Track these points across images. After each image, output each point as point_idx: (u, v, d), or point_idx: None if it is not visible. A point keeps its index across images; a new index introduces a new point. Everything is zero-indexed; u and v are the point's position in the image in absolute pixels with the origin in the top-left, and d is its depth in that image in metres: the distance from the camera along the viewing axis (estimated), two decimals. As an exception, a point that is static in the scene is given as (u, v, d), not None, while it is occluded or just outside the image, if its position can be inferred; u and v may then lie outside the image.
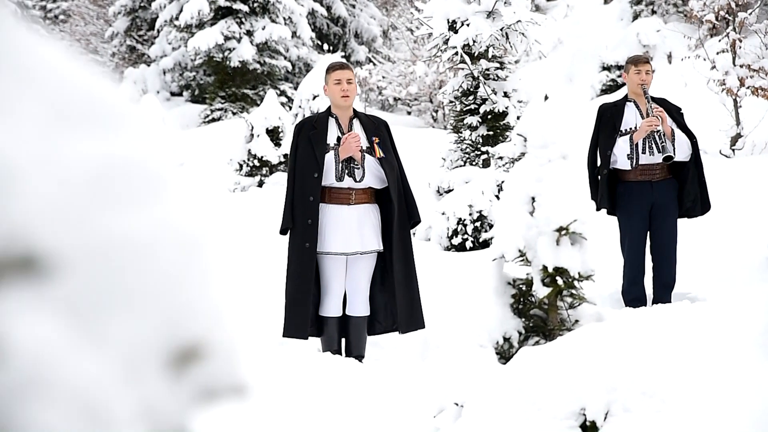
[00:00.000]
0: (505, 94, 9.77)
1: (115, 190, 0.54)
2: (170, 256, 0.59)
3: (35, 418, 0.49)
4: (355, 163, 5.20)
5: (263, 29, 21.14)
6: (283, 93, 21.29)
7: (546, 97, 14.04)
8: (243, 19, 21.25)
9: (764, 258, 6.79)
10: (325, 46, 23.54)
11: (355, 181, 5.19)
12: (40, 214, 0.46)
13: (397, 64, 20.96)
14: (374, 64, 21.85)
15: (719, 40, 11.42)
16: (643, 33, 16.68)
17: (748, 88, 10.66)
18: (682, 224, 6.28)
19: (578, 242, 3.83)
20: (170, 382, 0.60)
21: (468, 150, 9.84)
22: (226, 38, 21.03)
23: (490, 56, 9.57)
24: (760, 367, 3.23)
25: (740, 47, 10.84)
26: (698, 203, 6.18)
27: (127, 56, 25.96)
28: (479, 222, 8.91)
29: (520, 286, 3.97)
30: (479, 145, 9.76)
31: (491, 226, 8.95)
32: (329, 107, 5.43)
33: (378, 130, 5.36)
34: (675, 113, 6.20)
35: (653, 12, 18.38)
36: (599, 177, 6.05)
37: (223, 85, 21.51)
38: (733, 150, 11.00)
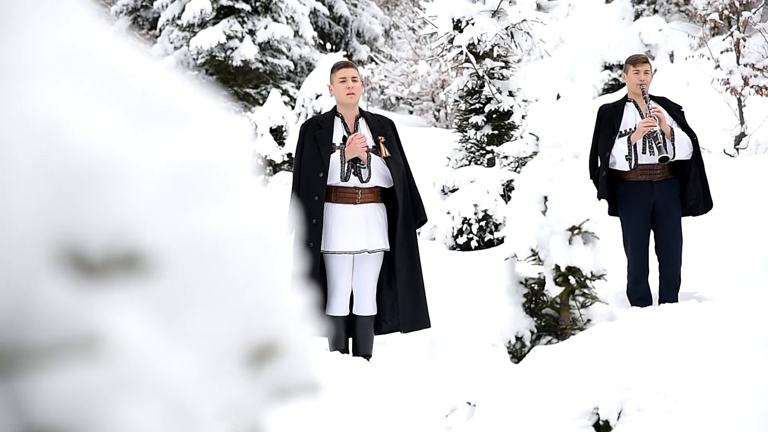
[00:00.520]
0: (510, 93, 9.77)
1: (198, 189, 0.54)
2: (249, 254, 0.59)
3: (130, 416, 0.50)
4: (361, 162, 5.20)
5: (265, 28, 21.13)
6: (285, 92, 21.29)
7: (558, 96, 14.02)
8: (245, 19, 21.25)
9: (769, 257, 6.79)
10: (328, 46, 23.53)
11: (361, 181, 5.19)
12: (141, 213, 0.46)
13: (399, 63, 20.96)
14: (376, 64, 21.85)
15: (723, 39, 11.42)
16: (645, 32, 16.68)
17: (752, 87, 10.66)
18: (687, 224, 6.28)
19: (591, 241, 3.83)
20: (248, 380, 0.60)
21: (473, 149, 9.85)
22: (229, 37, 21.03)
23: (495, 55, 9.57)
24: (773, 367, 3.23)
25: (744, 46, 10.84)
26: (701, 201, 6.17)
27: (128, 55, 25.88)
28: (484, 221, 8.91)
29: (532, 285, 3.98)
30: (484, 145, 9.76)
31: (496, 226, 8.95)
32: (335, 107, 5.43)
33: (384, 129, 5.36)
34: (675, 111, 6.19)
35: (655, 11, 18.39)
36: (599, 178, 6.04)
37: (226, 84, 21.51)
38: (737, 149, 11.00)
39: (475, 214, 8.88)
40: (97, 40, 0.54)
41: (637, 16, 18.37)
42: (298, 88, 21.24)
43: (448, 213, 9.01)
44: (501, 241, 8.92)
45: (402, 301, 5.22)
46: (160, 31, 23.14)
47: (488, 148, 9.73)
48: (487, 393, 3.49)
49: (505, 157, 9.44)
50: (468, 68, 9.71)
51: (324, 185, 5.17)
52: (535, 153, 4.00)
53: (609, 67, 17.21)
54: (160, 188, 0.49)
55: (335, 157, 5.20)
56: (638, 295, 6.13)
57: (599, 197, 5.99)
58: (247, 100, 21.62)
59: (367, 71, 20.24)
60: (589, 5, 20.03)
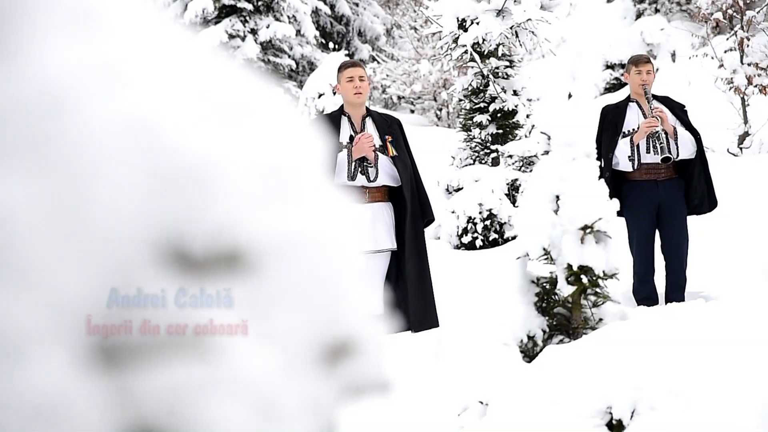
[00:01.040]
0: (515, 93, 9.76)
1: (281, 191, 0.54)
2: (326, 253, 0.59)
3: (222, 412, 0.50)
4: (368, 162, 5.19)
5: (267, 27, 21.12)
6: (287, 91, 21.28)
7: (570, 96, 14.01)
8: (247, 18, 21.24)
9: (774, 256, 6.80)
10: (330, 45, 23.52)
11: (369, 180, 5.19)
12: (240, 212, 0.47)
13: (401, 63, 20.95)
14: (378, 63, 21.85)
15: (727, 39, 11.42)
16: (646, 31, 16.69)
17: (755, 86, 10.67)
18: (691, 223, 6.27)
19: (603, 240, 3.83)
20: (324, 377, 0.60)
21: (477, 148, 9.84)
22: (231, 36, 21.02)
23: (500, 54, 9.57)
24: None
25: (748, 45, 10.84)
26: (705, 200, 6.17)
27: (129, 54, 25.89)
28: (489, 221, 8.91)
29: (544, 284, 3.98)
30: (488, 144, 9.76)
31: (501, 225, 8.95)
32: (342, 106, 5.43)
33: (391, 129, 5.36)
34: (678, 111, 6.18)
35: (656, 10, 18.39)
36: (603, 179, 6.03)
37: (227, 83, 21.46)
38: (741, 148, 11.00)
39: (480, 213, 8.87)
40: (184, 45, 0.54)
41: (639, 15, 18.38)
42: (300, 87, 21.23)
43: (453, 212, 9.01)
44: (506, 240, 8.92)
45: (412, 301, 5.21)
46: (162, 30, 23.11)
47: (493, 147, 9.73)
48: (499, 392, 3.49)
49: (510, 156, 9.44)
50: (472, 67, 9.70)
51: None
52: (547, 152, 4.00)
53: (610, 67, 17.21)
54: (253, 188, 0.50)
55: (342, 157, 5.20)
56: (644, 295, 6.13)
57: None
58: (249, 99, 21.56)
59: (369, 70, 20.24)
60: (591, 5, 20.04)
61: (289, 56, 22.09)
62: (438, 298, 5.44)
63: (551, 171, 3.87)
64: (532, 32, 9.36)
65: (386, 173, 5.21)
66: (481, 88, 9.70)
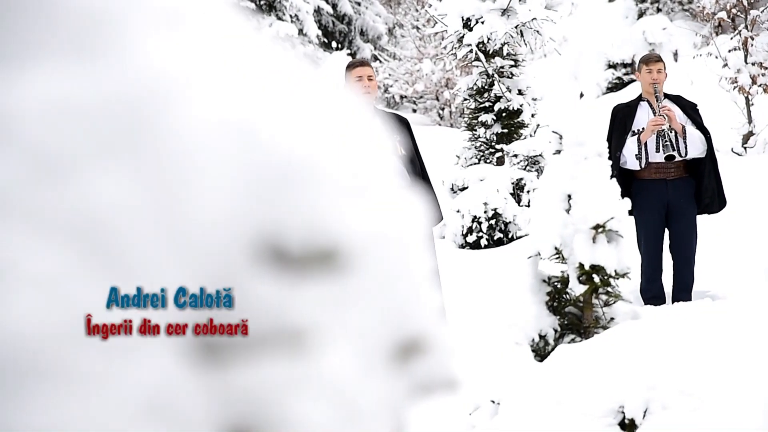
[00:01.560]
0: (520, 92, 9.76)
1: (370, 188, 0.54)
2: (404, 251, 0.59)
3: (306, 412, 0.50)
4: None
5: (270, 26, 21.13)
6: (289, 91, 21.29)
7: (581, 95, 14.00)
8: (250, 17, 21.25)
9: (781, 255, 6.80)
10: (332, 44, 23.53)
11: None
12: (334, 211, 0.47)
13: (403, 62, 20.94)
14: (380, 62, 21.85)
15: (731, 38, 11.41)
16: (649, 31, 16.67)
17: (760, 86, 10.66)
18: (698, 222, 6.27)
19: (614, 240, 3.83)
20: (396, 375, 0.60)
21: (482, 147, 9.83)
22: (232, 36, 21.03)
23: (504, 54, 9.56)
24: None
25: (752, 45, 10.83)
26: (715, 199, 6.16)
27: (131, 53, 25.88)
28: (494, 220, 8.91)
29: (556, 283, 3.98)
30: (494, 143, 9.75)
31: (506, 224, 8.95)
32: (350, 105, 5.43)
33: (399, 128, 5.36)
34: (690, 110, 6.18)
35: (658, 10, 18.38)
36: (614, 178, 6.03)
37: (229, 82, 21.49)
38: (745, 148, 11.00)
39: (485, 212, 8.87)
40: (270, 46, 0.54)
41: (641, 14, 18.36)
42: (301, 86, 21.22)
43: (458, 211, 9.01)
44: (510, 239, 8.92)
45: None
46: (164, 29, 23.12)
47: (498, 146, 9.72)
48: (511, 391, 3.49)
49: (515, 155, 9.43)
50: (477, 66, 9.70)
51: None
52: (558, 151, 4.00)
53: (613, 66, 17.20)
54: (344, 188, 0.50)
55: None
56: (651, 294, 6.12)
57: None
58: (251, 98, 21.59)
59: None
60: (592, 4, 20.03)
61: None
62: (446, 298, 5.44)
63: (563, 170, 3.87)
64: (537, 31, 9.35)
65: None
66: (485, 87, 9.70)
